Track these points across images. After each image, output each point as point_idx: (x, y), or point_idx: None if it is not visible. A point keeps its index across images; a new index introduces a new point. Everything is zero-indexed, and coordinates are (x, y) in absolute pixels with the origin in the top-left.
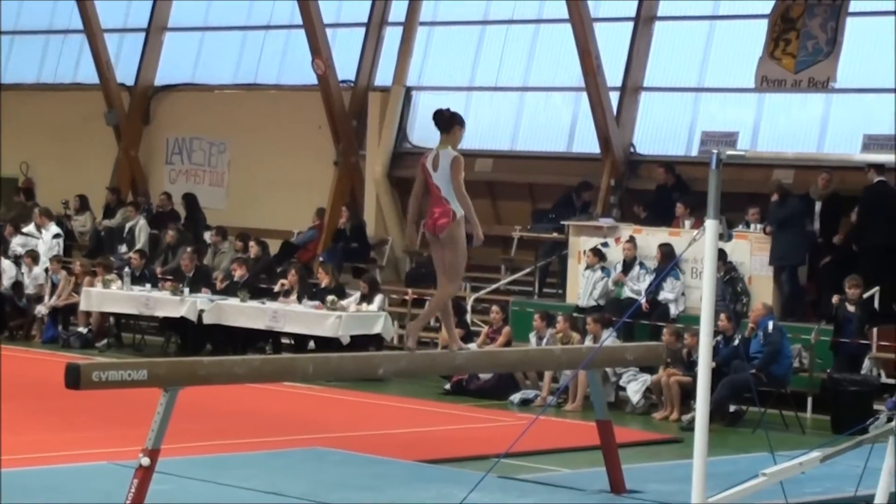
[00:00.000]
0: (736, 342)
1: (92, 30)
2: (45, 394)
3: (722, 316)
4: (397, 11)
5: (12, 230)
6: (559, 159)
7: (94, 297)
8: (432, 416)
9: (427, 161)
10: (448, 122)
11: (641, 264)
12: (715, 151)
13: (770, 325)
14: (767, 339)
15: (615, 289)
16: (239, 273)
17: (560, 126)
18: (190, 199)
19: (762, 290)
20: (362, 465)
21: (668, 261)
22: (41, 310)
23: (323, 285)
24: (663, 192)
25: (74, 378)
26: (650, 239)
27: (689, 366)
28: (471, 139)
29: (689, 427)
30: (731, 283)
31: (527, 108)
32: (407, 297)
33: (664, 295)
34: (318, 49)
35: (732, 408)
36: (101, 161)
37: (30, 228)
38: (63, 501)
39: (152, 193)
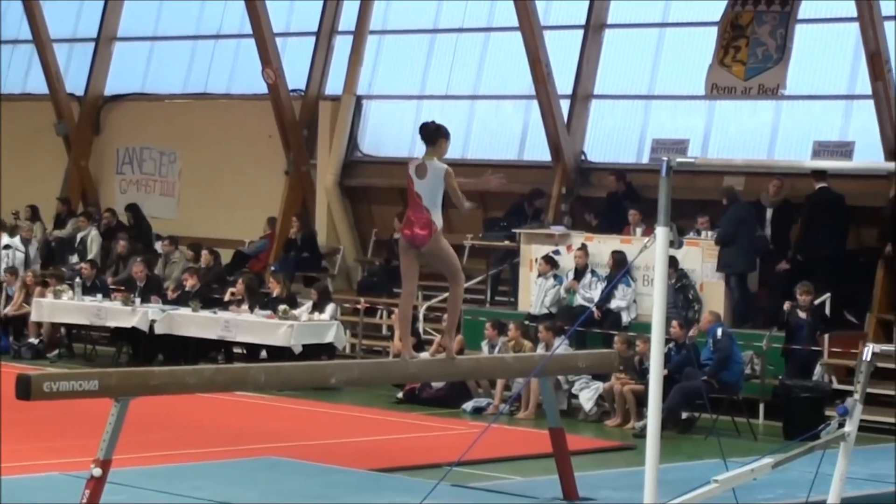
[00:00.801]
0: (687, 350)
1: (41, 40)
2: None
3: (674, 323)
4: (347, 20)
5: None
6: (510, 167)
7: (46, 308)
8: (385, 425)
9: (411, 169)
10: (433, 134)
11: (593, 272)
12: (665, 159)
13: (719, 331)
14: (717, 345)
15: (567, 296)
16: (190, 283)
17: (511, 134)
18: (134, 210)
19: (714, 297)
20: (315, 474)
21: (620, 268)
22: None
23: (275, 295)
24: (614, 199)
25: (25, 389)
26: (602, 246)
27: (642, 373)
28: (421, 147)
29: (642, 434)
30: (682, 291)
31: (478, 117)
32: (359, 306)
33: (616, 303)
34: (268, 58)
35: (685, 415)
36: (52, 172)
37: None
38: None
39: (103, 203)
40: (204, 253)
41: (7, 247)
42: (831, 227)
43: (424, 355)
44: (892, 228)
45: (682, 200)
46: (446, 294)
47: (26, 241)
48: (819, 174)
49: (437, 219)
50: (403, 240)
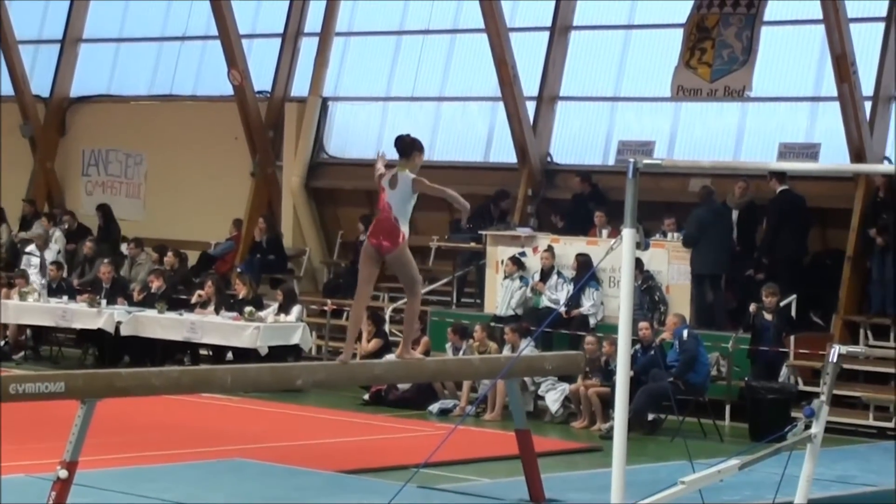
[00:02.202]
0: (653, 351)
1: (6, 41)
2: None
3: (641, 325)
4: (313, 22)
5: None
6: (476, 169)
7: (11, 310)
8: (351, 427)
9: (384, 179)
10: (408, 147)
11: (559, 273)
12: (632, 160)
13: (685, 333)
14: (683, 347)
15: (533, 297)
16: (156, 284)
17: (477, 136)
18: (105, 210)
19: (680, 299)
20: (281, 476)
21: (586, 270)
22: None
23: (241, 296)
24: (580, 201)
25: None
26: (568, 248)
27: (608, 374)
28: (389, 150)
29: (608, 436)
30: (648, 292)
31: (444, 119)
32: (325, 308)
33: (584, 304)
34: (234, 60)
35: (651, 416)
36: (17, 173)
37: None
38: None
39: (69, 205)
40: (169, 255)
41: None
42: (795, 230)
43: (390, 357)
44: (874, 224)
45: (649, 202)
46: None
47: (41, 248)
48: (780, 176)
49: (405, 229)
50: (369, 246)
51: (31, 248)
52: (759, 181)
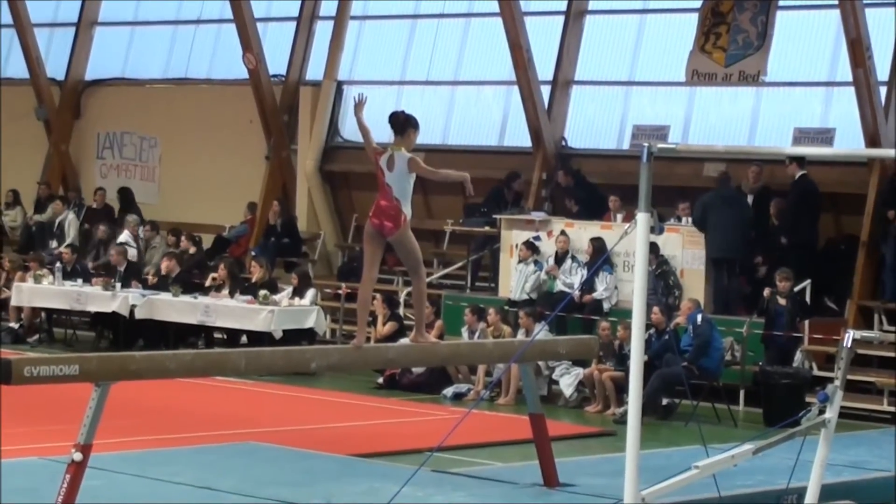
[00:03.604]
0: (667, 336)
1: (22, 24)
2: None
3: (654, 309)
4: (328, 6)
5: None
6: (491, 153)
7: (25, 293)
8: (365, 411)
9: (381, 160)
10: (402, 124)
11: (574, 258)
12: (646, 145)
13: (699, 317)
14: (697, 331)
15: (547, 281)
16: (170, 268)
17: (491, 120)
18: (125, 194)
19: (694, 284)
20: (294, 459)
21: (600, 255)
22: None
23: (255, 280)
24: (564, 190)
25: (6, 373)
26: (582, 233)
27: (622, 359)
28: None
29: (622, 420)
30: (663, 277)
31: (458, 103)
32: (339, 292)
33: (598, 288)
34: (249, 44)
35: (665, 401)
36: (32, 156)
37: None
38: None
39: (84, 188)
40: (184, 238)
41: None
42: (811, 215)
43: (404, 341)
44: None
45: (663, 187)
46: (427, 279)
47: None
48: (799, 161)
49: (407, 210)
50: (371, 227)
51: (125, 236)
52: (773, 166)
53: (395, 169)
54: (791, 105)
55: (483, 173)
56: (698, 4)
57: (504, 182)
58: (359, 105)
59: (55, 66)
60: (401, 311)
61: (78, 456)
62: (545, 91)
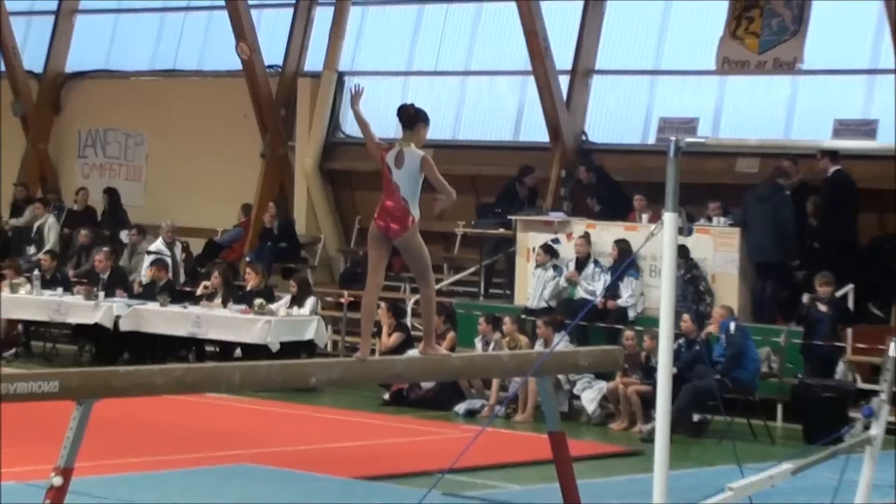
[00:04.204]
0: (698, 346)
1: None
2: None
3: (684, 317)
4: None
5: None
6: (505, 149)
7: (2, 303)
8: (370, 429)
9: (388, 156)
10: (412, 118)
11: (596, 262)
12: (673, 139)
13: (732, 326)
14: (730, 341)
15: (567, 288)
16: (158, 275)
17: (505, 113)
18: (112, 195)
19: (727, 289)
20: (293, 482)
21: (624, 258)
22: None
23: (249, 287)
24: (585, 188)
25: None
26: (605, 235)
27: (648, 371)
28: (390, 123)
29: (650, 438)
30: (692, 282)
31: (469, 94)
32: (342, 300)
33: (622, 295)
34: (243, 32)
35: (696, 417)
36: (8, 155)
37: None
38: None
39: (64, 189)
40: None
41: None
42: (847, 214)
43: (412, 353)
44: None
45: (692, 184)
46: (437, 286)
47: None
48: (833, 156)
49: (415, 210)
50: (376, 229)
51: (157, 244)
52: (810, 161)
53: (403, 166)
54: (830, 95)
55: (496, 170)
56: None
57: (516, 177)
58: (356, 96)
59: (33, 58)
60: (408, 320)
61: (58, 480)
62: (563, 81)
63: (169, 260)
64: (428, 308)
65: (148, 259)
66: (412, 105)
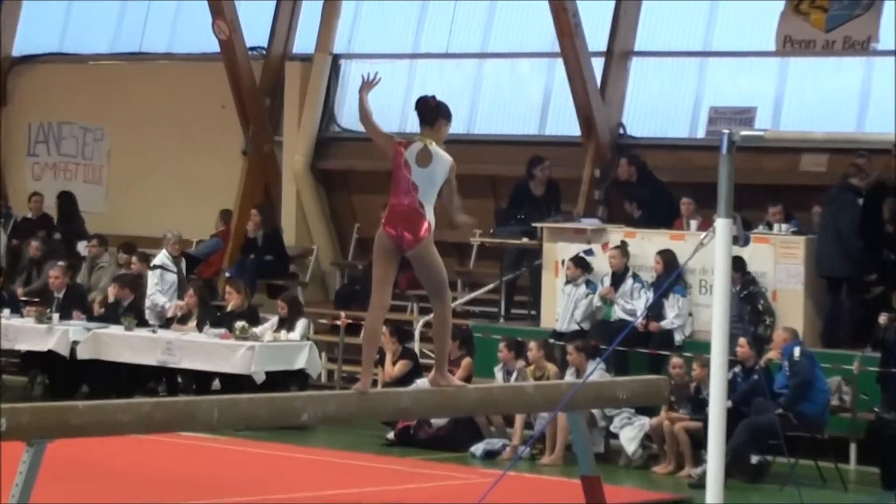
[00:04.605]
0: (756, 375)
1: None
2: None
3: (740, 341)
4: None
5: None
6: (528, 144)
7: None
8: (371, 473)
9: (409, 151)
10: (432, 112)
11: (636, 277)
12: (726, 132)
13: (797, 351)
14: (794, 369)
15: (603, 308)
16: (122, 294)
17: (529, 102)
18: (67, 200)
19: (790, 309)
20: None
21: (670, 272)
22: None
23: (230, 308)
24: (624, 190)
25: None
26: (646, 244)
27: (698, 405)
28: (417, 121)
29: (700, 483)
30: (749, 300)
31: (487, 81)
32: (338, 323)
33: (668, 315)
34: (220, 8)
35: (754, 458)
36: None
37: None
38: None
39: (11, 194)
40: (136, 256)
41: None
42: None
43: (421, 384)
44: None
45: (749, 185)
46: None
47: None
48: None
49: (431, 217)
50: (385, 239)
51: (161, 257)
52: (887, 157)
53: (430, 166)
54: None
55: (518, 170)
56: None
57: (526, 173)
58: (368, 85)
59: None
60: (415, 346)
61: None
62: (597, 65)
63: (175, 277)
64: (442, 331)
65: (153, 276)
66: (433, 98)
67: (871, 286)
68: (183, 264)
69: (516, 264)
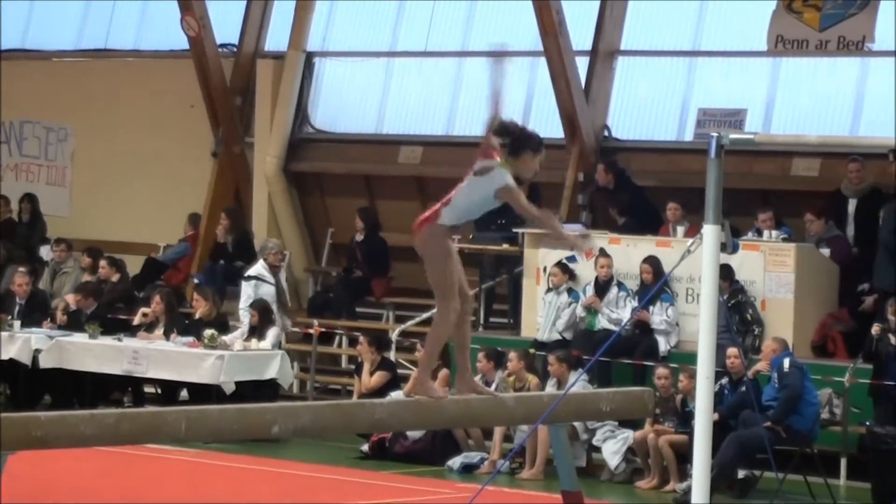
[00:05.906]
0: (744, 387)
1: None
2: None
3: (728, 352)
4: None
5: None
6: None
7: None
8: (345, 488)
9: (480, 161)
10: (520, 143)
11: (620, 284)
12: (715, 135)
13: (786, 363)
14: (784, 381)
15: (586, 317)
16: (86, 301)
17: (511, 103)
18: (30, 202)
19: (780, 319)
20: None
21: (656, 280)
22: None
23: (198, 316)
24: (605, 195)
25: None
26: (631, 251)
27: (684, 418)
28: (394, 122)
29: (685, 499)
30: (738, 309)
31: (466, 80)
32: (311, 331)
33: (654, 319)
34: (190, 4)
35: (741, 473)
36: None
37: None
38: None
39: None
40: (104, 261)
41: None
42: None
43: (398, 395)
44: None
45: (738, 190)
46: (426, 314)
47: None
48: None
49: (449, 215)
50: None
51: (258, 268)
52: (883, 161)
53: (482, 177)
54: None
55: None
56: None
57: None
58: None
59: None
60: (391, 355)
61: None
62: (582, 65)
63: (272, 289)
64: (435, 339)
65: (247, 287)
66: (524, 127)
67: (864, 295)
68: (282, 275)
69: (495, 271)
